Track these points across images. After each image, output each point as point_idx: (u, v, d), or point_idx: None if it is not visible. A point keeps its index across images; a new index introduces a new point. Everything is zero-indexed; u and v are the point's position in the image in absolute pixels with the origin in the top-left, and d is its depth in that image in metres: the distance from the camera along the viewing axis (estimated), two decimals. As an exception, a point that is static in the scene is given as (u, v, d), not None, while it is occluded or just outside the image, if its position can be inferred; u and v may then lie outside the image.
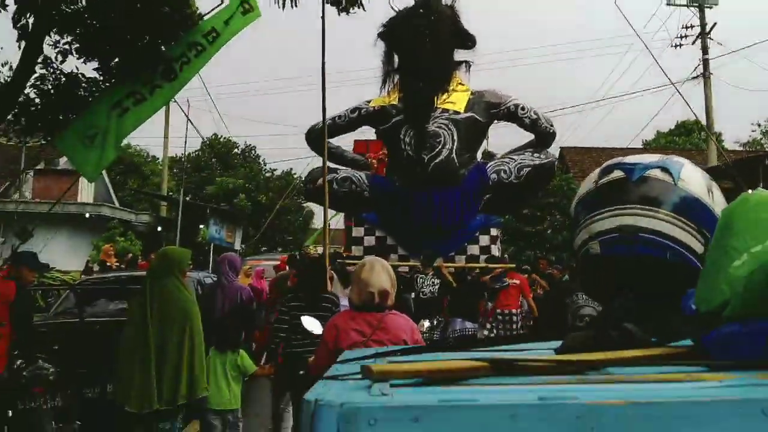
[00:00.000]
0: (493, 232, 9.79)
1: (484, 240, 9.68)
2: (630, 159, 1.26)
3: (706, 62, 19.45)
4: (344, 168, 10.25)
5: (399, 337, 3.05)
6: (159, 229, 22.33)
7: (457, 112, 9.60)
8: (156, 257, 4.81)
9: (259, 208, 29.72)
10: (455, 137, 9.37)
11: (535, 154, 9.68)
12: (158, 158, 31.44)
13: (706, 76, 19.38)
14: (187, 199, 23.13)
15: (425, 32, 9.49)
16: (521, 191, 9.89)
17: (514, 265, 9.25)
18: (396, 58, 9.87)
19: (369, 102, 10.20)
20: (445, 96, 9.69)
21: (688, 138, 34.02)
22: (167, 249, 5.07)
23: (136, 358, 3.81)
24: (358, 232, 10.15)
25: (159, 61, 6.32)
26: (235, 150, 35.84)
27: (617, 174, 1.22)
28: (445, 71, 9.73)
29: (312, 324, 4.04)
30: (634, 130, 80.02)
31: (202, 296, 6.21)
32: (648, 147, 30.23)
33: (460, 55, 10.00)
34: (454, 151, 9.33)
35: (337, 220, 24.03)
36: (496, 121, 9.94)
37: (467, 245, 9.64)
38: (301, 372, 4.36)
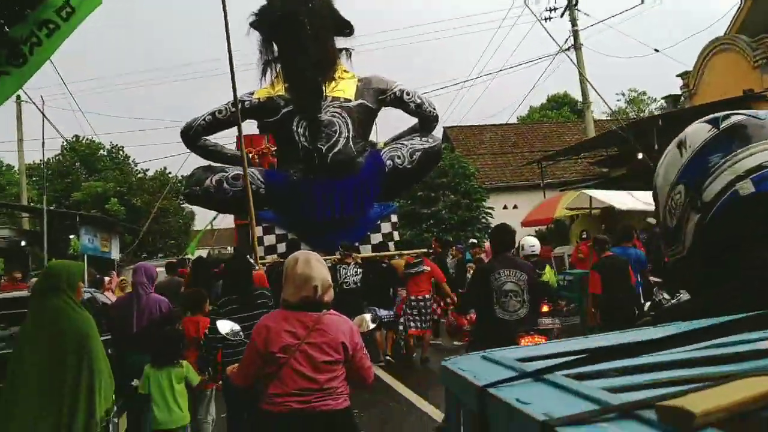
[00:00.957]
0: (394, 218, 10.05)
1: (386, 227, 9.89)
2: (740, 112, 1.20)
3: (576, 34, 20.74)
4: (233, 166, 9.81)
5: (337, 340, 2.90)
6: (23, 243, 20.71)
7: (348, 100, 9.68)
8: (41, 274, 4.36)
9: (134, 213, 28.21)
10: (350, 125, 9.46)
11: (424, 139, 10.01)
12: (14, 166, 29.10)
13: (577, 47, 20.67)
14: (52, 208, 21.57)
15: (304, 19, 9.48)
16: (414, 175, 10.24)
17: (425, 250, 9.49)
18: (275, 47, 9.78)
19: (252, 94, 9.92)
20: (333, 84, 9.75)
21: (560, 111, 36.29)
22: (52, 263, 4.57)
23: (19, 399, 3.27)
24: (257, 231, 9.82)
25: (1, 44, 5.47)
26: (101, 151, 33.79)
27: (740, 118, 1.15)
28: (329, 58, 9.77)
29: (225, 326, 3.88)
30: (512, 105, 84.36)
31: (115, 312, 5.90)
32: (524, 122, 31.94)
33: (339, 42, 10.11)
34: (350, 139, 9.43)
35: (222, 219, 23.47)
36: (384, 107, 10.18)
37: (370, 234, 9.81)
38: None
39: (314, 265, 2.97)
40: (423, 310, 8.72)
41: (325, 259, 8.17)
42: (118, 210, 27.11)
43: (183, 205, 33.20)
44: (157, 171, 31.93)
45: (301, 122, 9.47)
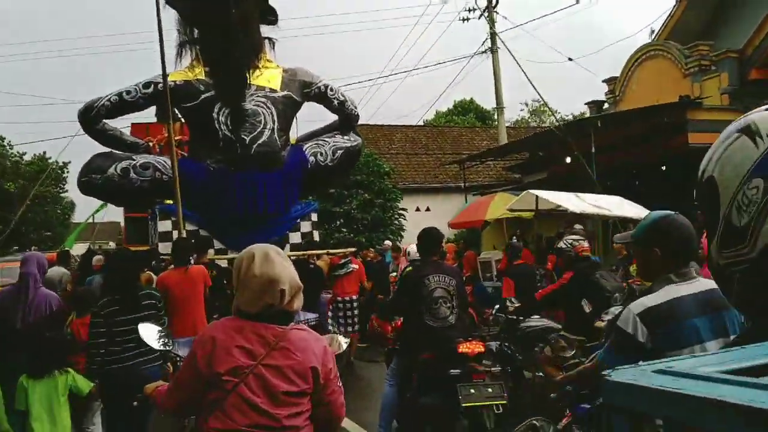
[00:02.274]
0: (314, 217, 9.81)
1: (305, 226, 9.62)
2: None
3: (493, 36, 21.29)
4: (140, 154, 9.22)
5: (306, 363, 2.34)
6: None
7: (274, 90, 9.32)
8: None
9: (6, 199, 26.18)
10: (275, 117, 9.10)
11: (346, 137, 9.89)
12: None
13: (493, 50, 21.25)
14: None
15: (227, 2, 9.10)
16: (334, 174, 10.07)
17: (355, 249, 9.41)
18: (193, 27, 9.19)
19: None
20: (257, 73, 9.30)
21: (466, 117, 37.29)
22: None
23: None
24: (164, 226, 9.26)
25: None
26: None
27: None
28: (255, 44, 9.40)
29: (148, 331, 3.37)
30: (422, 107, 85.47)
31: None
32: (428, 126, 32.52)
33: (263, 30, 9.68)
34: (275, 131, 9.07)
35: (105, 212, 22.24)
36: (307, 101, 9.95)
37: (289, 233, 9.49)
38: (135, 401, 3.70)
39: (277, 262, 2.39)
40: (350, 312, 8.67)
41: (231, 261, 7.90)
42: (-12, 195, 25.10)
43: (63, 194, 31.24)
44: (35, 155, 29.80)
45: (223, 110, 8.93)
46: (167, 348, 3.34)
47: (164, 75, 7.75)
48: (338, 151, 9.60)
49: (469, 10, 21.52)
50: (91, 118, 9.14)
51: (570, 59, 21.40)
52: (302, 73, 9.74)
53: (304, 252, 9.35)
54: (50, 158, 27.99)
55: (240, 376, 2.26)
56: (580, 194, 8.57)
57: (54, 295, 5.49)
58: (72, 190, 31.33)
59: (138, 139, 10.90)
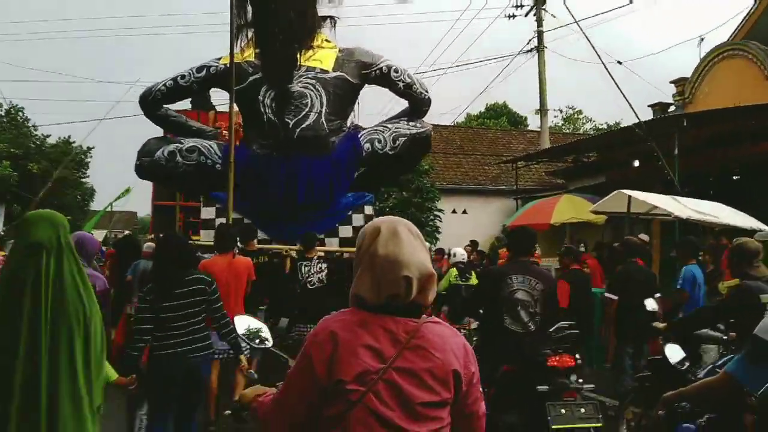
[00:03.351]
0: (368, 210, 9.19)
1: (357, 220, 9.05)
2: None
3: (540, 35, 20.59)
4: (190, 138, 8.94)
5: (447, 365, 1.83)
6: None
7: (324, 71, 8.84)
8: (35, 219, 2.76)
9: (28, 180, 25.93)
10: (323, 99, 8.62)
11: (411, 123, 9.26)
12: None
13: (539, 49, 20.60)
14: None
15: None
16: (396, 164, 9.48)
17: None
18: (250, 8, 8.98)
19: (219, 59, 9.00)
20: (310, 53, 8.82)
21: (498, 121, 36.64)
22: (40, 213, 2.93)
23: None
24: (207, 213, 8.94)
25: None
26: None
27: None
28: (309, 23, 8.97)
29: (243, 323, 2.85)
30: (458, 107, 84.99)
31: None
32: (463, 126, 31.91)
33: (323, 8, 9.24)
34: (322, 114, 8.58)
35: (125, 201, 21.90)
36: (367, 85, 9.47)
37: (338, 226, 8.98)
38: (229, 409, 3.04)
39: (406, 242, 1.86)
40: None
41: (284, 252, 7.49)
42: (10, 174, 24.83)
43: (83, 179, 31.02)
44: (60, 138, 29.54)
45: (269, 92, 8.56)
46: (267, 345, 2.77)
47: (231, 59, 7.36)
48: (400, 139, 8.97)
49: (517, 6, 20.96)
50: (150, 103, 9.11)
51: (619, 62, 20.77)
52: (361, 53, 9.19)
53: (343, 249, 8.79)
54: (74, 142, 27.81)
55: (368, 383, 1.74)
56: (679, 198, 7.77)
57: (100, 277, 5.12)
58: (93, 176, 31.36)
59: (204, 126, 10.64)
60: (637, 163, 11.97)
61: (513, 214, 20.43)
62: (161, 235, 9.44)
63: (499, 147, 23.62)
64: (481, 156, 21.93)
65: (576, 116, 42.06)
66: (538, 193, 18.11)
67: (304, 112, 8.53)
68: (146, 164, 8.58)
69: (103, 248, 15.74)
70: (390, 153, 8.94)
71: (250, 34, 8.81)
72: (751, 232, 7.26)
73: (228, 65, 8.69)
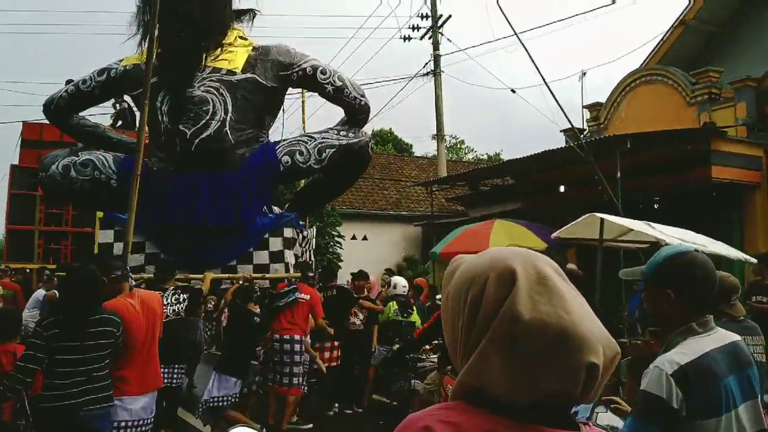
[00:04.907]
0: (288, 233, 8.05)
1: (275, 244, 7.94)
2: None
3: (437, 58, 20.62)
4: (87, 150, 8.21)
5: None
6: None
7: (232, 72, 7.87)
8: None
9: None
10: (229, 105, 7.69)
11: (342, 132, 8.24)
12: None
13: (436, 73, 20.56)
14: None
15: None
16: (324, 180, 8.49)
17: (300, 274, 7.58)
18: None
19: (121, 61, 8.27)
20: (218, 52, 7.99)
21: (384, 147, 36.43)
22: None
23: None
24: (105, 236, 7.96)
25: None
26: None
27: None
28: (216, 18, 8.05)
29: None
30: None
31: None
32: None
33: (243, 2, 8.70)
34: (227, 123, 7.64)
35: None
36: (291, 88, 8.59)
37: (253, 251, 7.88)
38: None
39: (569, 297, 1.06)
40: (287, 356, 6.98)
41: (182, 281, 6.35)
42: None
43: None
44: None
45: (166, 99, 7.69)
46: None
47: (149, 61, 6.41)
48: (327, 150, 7.96)
49: (413, 28, 20.91)
50: (53, 112, 8.52)
51: (513, 91, 21.17)
52: (279, 51, 8.19)
53: (270, 275, 7.70)
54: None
55: None
56: (652, 224, 7.27)
57: None
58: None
59: (122, 136, 9.76)
60: (563, 189, 11.79)
61: (416, 240, 20.28)
62: (72, 265, 8.32)
63: (392, 172, 23.31)
64: (379, 180, 21.49)
65: (459, 146, 42.66)
66: (442, 220, 17.92)
67: (204, 120, 7.59)
68: (44, 180, 8.02)
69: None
70: (315, 167, 7.99)
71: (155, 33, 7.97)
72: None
73: (128, 67, 8.09)
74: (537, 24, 43.62)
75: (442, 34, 20.49)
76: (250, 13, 8.57)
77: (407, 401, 6.88)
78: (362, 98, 8.44)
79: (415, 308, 8.27)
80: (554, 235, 8.63)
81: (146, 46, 7.60)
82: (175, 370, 6.29)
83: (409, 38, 21.15)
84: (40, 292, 8.81)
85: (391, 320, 7.93)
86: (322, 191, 9.33)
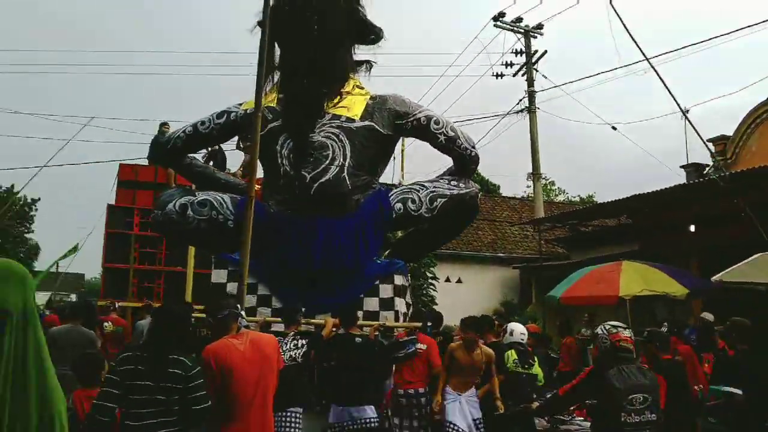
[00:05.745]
0: (398, 280, 8.15)
1: (385, 291, 8.05)
2: None
3: (531, 95, 19.86)
4: (202, 192, 8.48)
5: None
6: None
7: (351, 120, 8.15)
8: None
9: (-43, 234, 24.66)
10: (348, 151, 7.96)
11: (453, 182, 8.41)
12: None
13: (531, 110, 19.98)
14: None
15: (313, 17, 8.18)
16: (433, 229, 8.59)
17: (420, 325, 7.63)
18: (277, 51, 8.59)
19: (241, 105, 8.62)
20: (337, 99, 8.31)
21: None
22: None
23: None
24: (218, 276, 8.22)
25: None
26: None
27: None
28: (338, 67, 8.36)
29: None
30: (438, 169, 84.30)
31: None
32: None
33: (361, 52, 8.95)
34: (345, 168, 7.90)
35: (69, 263, 20.70)
36: (404, 137, 9.00)
37: (363, 297, 7.99)
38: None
39: None
40: (415, 410, 7.15)
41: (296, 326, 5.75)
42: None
43: (26, 235, 29.67)
44: (2, 188, 28.11)
45: (288, 141, 7.99)
46: None
47: (257, 102, 6.84)
48: (439, 200, 8.14)
49: (506, 65, 21.02)
50: (169, 152, 8.85)
51: (614, 128, 20.87)
52: (395, 101, 8.48)
53: (372, 323, 7.59)
54: (17, 192, 26.58)
55: None
56: None
57: None
58: (38, 232, 29.90)
59: (231, 177, 10.30)
60: (693, 228, 11.22)
61: (514, 284, 20.01)
62: (157, 306, 8.80)
63: (483, 213, 23.29)
64: (474, 221, 21.62)
65: (549, 186, 41.77)
66: (544, 263, 17.79)
67: (323, 165, 7.87)
68: (159, 218, 8.23)
69: (46, 312, 14.78)
70: (426, 215, 8.12)
71: (275, 78, 8.49)
72: None
73: (249, 111, 8.27)
74: (667, 49, 42.64)
75: (537, 70, 20.52)
76: (367, 64, 8.86)
77: None
78: (473, 149, 8.62)
79: (537, 359, 7.74)
80: (716, 278, 8.24)
81: (268, 88, 8.16)
82: (289, 414, 6.54)
83: (502, 75, 21.29)
84: (144, 323, 9.16)
85: (510, 371, 7.26)
86: (427, 240, 9.37)
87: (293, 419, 6.34)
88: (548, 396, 6.24)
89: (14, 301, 1.88)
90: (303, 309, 7.18)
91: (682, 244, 11.58)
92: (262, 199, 8.32)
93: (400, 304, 8.14)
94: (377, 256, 8.40)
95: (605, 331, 4.92)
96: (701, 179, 10.70)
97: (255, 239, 7.88)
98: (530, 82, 21.07)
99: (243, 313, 4.38)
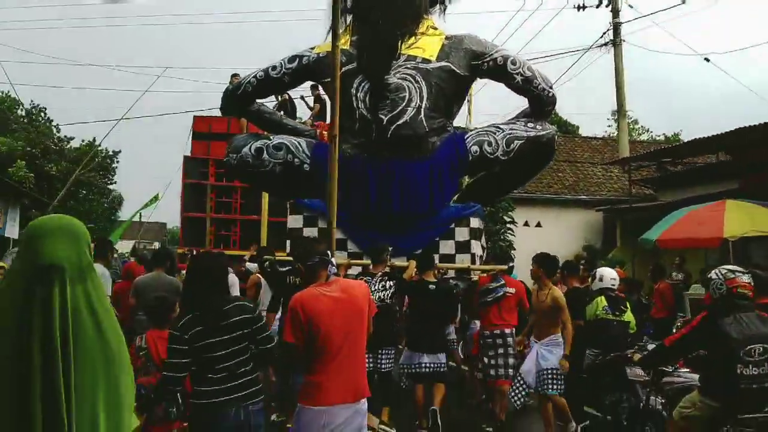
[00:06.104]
0: (474, 223, 8.18)
1: (461, 234, 8.11)
2: None
3: (617, 27, 19.07)
4: (279, 135, 8.56)
5: None
6: None
7: (427, 60, 8.06)
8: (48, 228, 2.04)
9: (46, 182, 25.82)
10: (424, 93, 7.90)
11: (530, 124, 8.25)
12: None
13: (616, 43, 18.95)
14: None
15: None
16: (510, 171, 8.50)
17: (506, 267, 7.68)
18: None
19: (313, 49, 8.63)
20: (412, 40, 8.22)
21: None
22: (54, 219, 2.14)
23: None
24: (294, 221, 8.42)
25: None
26: (18, 110, 30.09)
27: None
28: (412, 5, 8.28)
29: None
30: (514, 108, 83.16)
31: None
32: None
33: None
34: (422, 110, 7.85)
35: (151, 212, 21.59)
36: (479, 78, 8.71)
37: (439, 240, 8.11)
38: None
39: None
40: (501, 349, 7.33)
41: (366, 270, 5.87)
42: (25, 176, 24.56)
43: (110, 186, 30.98)
44: (84, 142, 29.33)
45: (363, 84, 7.96)
46: None
47: (334, 43, 6.88)
48: (516, 142, 8.01)
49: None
50: (239, 97, 8.91)
51: (707, 59, 20.01)
52: (471, 41, 8.31)
53: (459, 266, 7.94)
54: (99, 145, 27.61)
55: None
56: None
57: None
58: (120, 183, 31.22)
59: (301, 125, 10.41)
60: None
61: (597, 227, 19.11)
62: (194, 253, 9.18)
63: (562, 154, 22.80)
64: (553, 161, 21.22)
65: (632, 125, 40.30)
66: (621, 205, 17.42)
67: (400, 107, 7.84)
68: (234, 161, 8.29)
69: (131, 259, 15.50)
70: (502, 158, 8.04)
71: (348, 20, 8.46)
72: None
73: (322, 54, 8.38)
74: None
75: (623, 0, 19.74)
76: (442, 5, 8.74)
77: (626, 417, 6.44)
78: (550, 89, 8.44)
79: (629, 305, 7.45)
80: None
81: (343, 29, 8.19)
82: (382, 354, 6.72)
83: (584, 6, 20.61)
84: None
85: (600, 318, 6.99)
86: (503, 183, 9.32)
87: (386, 358, 6.71)
88: (653, 347, 5.83)
89: (66, 256, 1.96)
90: (390, 248, 7.25)
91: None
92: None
93: (476, 247, 8.17)
94: (452, 199, 8.43)
95: (721, 276, 4.63)
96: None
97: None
98: (615, 12, 20.31)
99: (333, 260, 4.24)
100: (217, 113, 10.67)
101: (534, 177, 10.28)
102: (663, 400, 5.57)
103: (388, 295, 6.67)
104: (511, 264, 8.07)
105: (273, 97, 14.16)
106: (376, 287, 6.61)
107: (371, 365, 6.37)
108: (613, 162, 18.72)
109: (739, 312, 4.39)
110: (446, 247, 8.16)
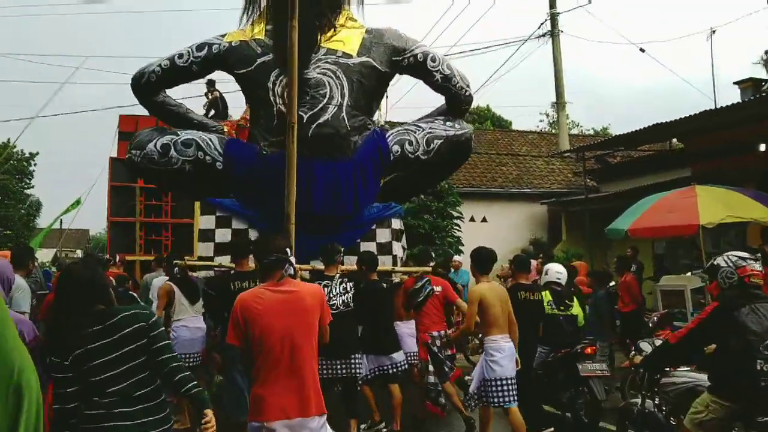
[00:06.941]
0: (395, 224, 8.28)
1: (383, 235, 8.19)
2: None
3: (554, 17, 19.58)
4: (188, 130, 8.23)
5: None
6: None
7: (348, 55, 7.94)
8: None
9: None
10: (346, 90, 7.82)
11: (448, 123, 8.37)
12: None
13: (554, 34, 19.56)
14: None
15: None
16: (429, 170, 8.62)
17: (430, 269, 7.87)
18: None
19: (223, 36, 8.30)
20: (331, 32, 8.08)
21: (482, 125, 35.46)
22: None
23: None
24: (206, 222, 8.09)
25: None
26: None
27: None
28: None
29: None
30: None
31: None
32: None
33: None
34: (344, 108, 7.76)
35: (73, 217, 21.18)
36: (398, 74, 8.59)
37: (360, 242, 8.11)
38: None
39: None
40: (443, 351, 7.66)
41: (322, 274, 6.74)
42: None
43: (27, 191, 30.21)
44: (-4, 142, 28.38)
45: (281, 78, 7.69)
46: None
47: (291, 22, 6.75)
48: (435, 141, 8.14)
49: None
50: (143, 87, 8.45)
51: (642, 50, 20.66)
52: (391, 36, 8.27)
53: (384, 268, 7.89)
54: (14, 146, 26.78)
55: None
56: None
57: (25, 321, 4.01)
58: (38, 188, 30.42)
59: (208, 120, 10.03)
60: (763, 147, 10.77)
61: (542, 220, 19.51)
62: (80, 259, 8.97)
63: (500, 148, 23.13)
64: (495, 155, 21.53)
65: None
66: (564, 197, 17.80)
67: (321, 105, 7.71)
68: (137, 158, 7.82)
69: (52, 269, 15.03)
70: (423, 157, 8.14)
71: (262, 5, 8.20)
72: None
73: (234, 43, 8.11)
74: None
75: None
76: None
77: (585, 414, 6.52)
78: (468, 89, 8.55)
79: (576, 299, 7.50)
80: None
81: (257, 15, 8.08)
82: (354, 361, 6.55)
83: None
84: (150, 277, 9.38)
85: (546, 314, 7.10)
86: (420, 181, 9.36)
87: (359, 364, 6.66)
88: (656, 345, 5.52)
89: None
90: (342, 249, 7.09)
91: (748, 166, 11.19)
92: (249, 141, 8.28)
93: (397, 249, 8.19)
94: (374, 199, 8.45)
95: (731, 264, 4.35)
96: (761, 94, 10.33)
97: (247, 184, 7.99)
98: (552, 2, 20.74)
99: (292, 259, 3.98)
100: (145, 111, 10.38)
101: (449, 176, 10.39)
102: (657, 402, 5.15)
103: (350, 297, 6.55)
104: (431, 263, 8.21)
105: (203, 96, 14.06)
106: (338, 290, 6.48)
107: (344, 372, 6.33)
108: (557, 154, 19.07)
109: (755, 302, 4.15)
110: (368, 248, 8.10)
